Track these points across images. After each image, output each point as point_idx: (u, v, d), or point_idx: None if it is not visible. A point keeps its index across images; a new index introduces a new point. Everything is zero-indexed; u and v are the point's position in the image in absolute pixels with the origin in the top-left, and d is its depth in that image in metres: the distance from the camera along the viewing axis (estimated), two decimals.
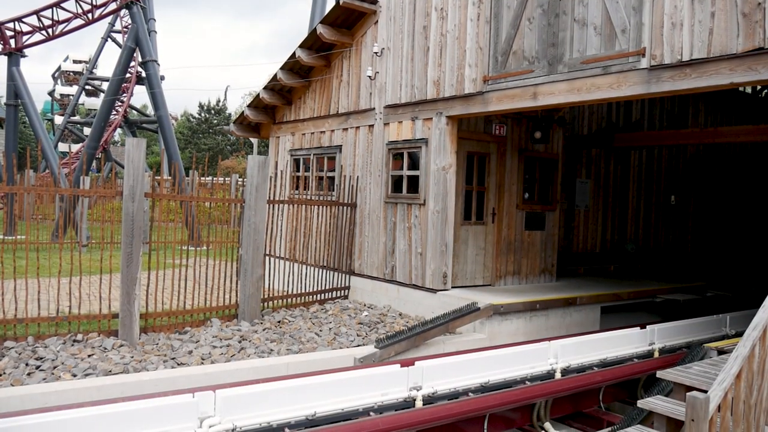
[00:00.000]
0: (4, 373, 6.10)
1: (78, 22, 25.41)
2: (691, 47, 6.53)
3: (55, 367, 6.30)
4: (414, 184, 9.88)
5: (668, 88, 6.78)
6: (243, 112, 13.76)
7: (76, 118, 43.61)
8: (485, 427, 5.95)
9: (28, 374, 6.11)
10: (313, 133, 12.39)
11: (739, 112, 13.91)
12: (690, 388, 4.44)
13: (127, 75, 29.62)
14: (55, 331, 7.31)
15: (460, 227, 9.89)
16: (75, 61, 47.78)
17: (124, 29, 35.42)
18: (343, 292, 10.81)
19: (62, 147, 41.67)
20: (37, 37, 24.97)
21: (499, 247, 10.30)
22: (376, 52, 10.60)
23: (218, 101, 55.56)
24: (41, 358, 6.51)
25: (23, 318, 7.22)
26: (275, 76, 12.26)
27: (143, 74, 26.48)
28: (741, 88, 13.49)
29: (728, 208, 14.83)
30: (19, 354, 6.59)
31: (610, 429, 6.19)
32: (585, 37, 7.54)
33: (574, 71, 7.61)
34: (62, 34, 25.29)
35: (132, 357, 6.79)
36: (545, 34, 7.97)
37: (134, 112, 41.91)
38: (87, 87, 42.52)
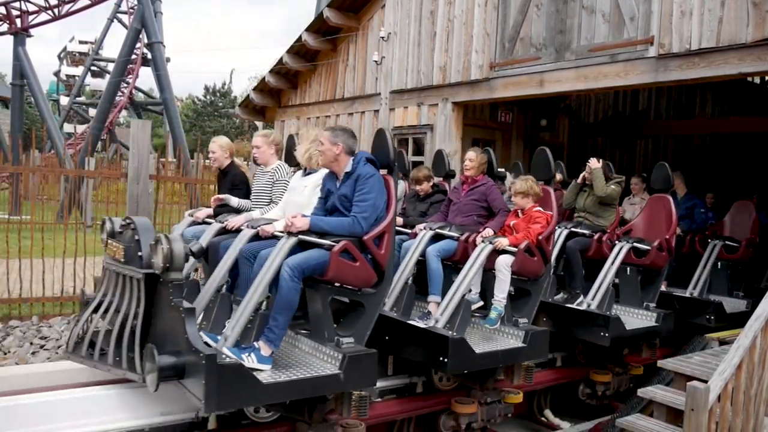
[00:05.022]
0: (9, 351, 6.15)
1: (84, 2, 25.38)
2: (700, 36, 6.47)
3: (59, 347, 6.36)
4: None
5: (676, 77, 6.74)
6: (248, 95, 13.72)
7: (82, 99, 43.56)
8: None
9: (33, 353, 6.17)
10: (318, 118, 12.36)
11: (746, 103, 13.80)
12: (690, 378, 4.45)
13: (133, 56, 29.53)
14: (60, 311, 7.36)
15: None
16: (81, 42, 47.64)
17: (130, 10, 35.27)
18: None
19: (68, 128, 41.67)
20: (44, 17, 24.94)
21: None
22: (382, 37, 10.54)
23: (224, 84, 55.40)
24: (45, 338, 6.56)
25: (28, 298, 7.27)
26: (281, 59, 12.20)
27: (149, 56, 26.42)
28: (749, 79, 13.38)
29: (734, 200, 14.73)
30: (24, 333, 6.65)
31: (609, 417, 6.23)
32: (593, 24, 7.49)
33: (581, 59, 7.56)
34: (68, 14, 25.27)
35: None
36: (553, 21, 7.91)
37: (140, 93, 41.81)
38: (93, 68, 42.41)
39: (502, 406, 5.67)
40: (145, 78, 47.12)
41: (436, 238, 5.69)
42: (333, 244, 4.15)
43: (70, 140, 37.54)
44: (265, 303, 4.22)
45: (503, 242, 5.39)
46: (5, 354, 6.10)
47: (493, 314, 5.40)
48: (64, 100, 42.40)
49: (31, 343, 6.38)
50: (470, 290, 5.41)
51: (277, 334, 4.05)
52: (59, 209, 16.55)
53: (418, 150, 9.88)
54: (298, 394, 4.00)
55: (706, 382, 3.81)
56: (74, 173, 10.35)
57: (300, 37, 11.57)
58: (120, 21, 38.65)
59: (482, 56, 8.83)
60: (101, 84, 40.94)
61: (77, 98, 41.85)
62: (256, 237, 4.57)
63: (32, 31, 25.00)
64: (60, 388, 4.43)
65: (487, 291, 5.62)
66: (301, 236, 4.21)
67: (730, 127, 12.06)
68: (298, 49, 11.94)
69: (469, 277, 5.22)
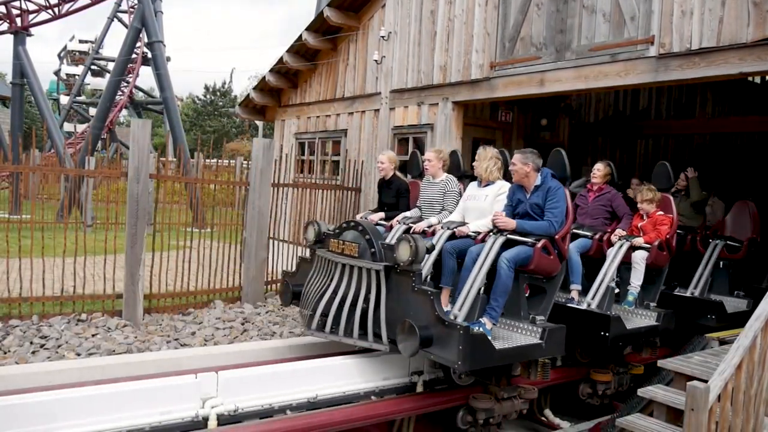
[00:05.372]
0: (9, 351, 6.15)
1: (84, 1, 25.33)
2: (701, 36, 6.47)
3: (59, 346, 6.35)
4: None
5: (676, 76, 6.73)
6: (249, 94, 13.73)
7: (82, 98, 43.53)
8: None
9: (33, 353, 6.16)
10: (318, 117, 12.36)
11: (747, 103, 13.79)
12: (691, 378, 4.45)
13: (133, 56, 29.50)
14: (60, 311, 7.35)
15: None
16: (81, 41, 47.61)
17: (131, 9, 35.23)
18: None
19: (68, 127, 41.65)
20: (44, 16, 24.88)
21: None
22: (382, 36, 10.53)
23: (224, 83, 55.34)
24: (45, 337, 6.56)
25: (28, 297, 7.26)
26: (281, 58, 12.21)
27: (149, 55, 26.39)
28: (750, 78, 13.37)
29: (734, 199, 14.70)
30: (24, 332, 6.64)
31: (610, 416, 6.24)
32: (593, 24, 7.48)
33: (581, 58, 7.55)
34: (69, 13, 25.21)
35: (135, 337, 6.83)
36: (553, 21, 7.91)
37: (140, 93, 41.77)
38: (93, 67, 42.38)
39: (628, 377, 6.83)
40: (146, 77, 47.06)
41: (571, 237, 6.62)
42: (535, 241, 5.27)
43: (70, 139, 37.52)
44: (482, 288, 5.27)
45: (639, 240, 6.61)
46: (5, 353, 6.09)
47: (630, 298, 6.66)
48: (65, 99, 42.38)
49: (31, 343, 6.38)
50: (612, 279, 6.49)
51: (497, 312, 5.19)
52: (59, 208, 16.55)
53: (419, 150, 9.86)
54: (516, 358, 5.18)
55: (706, 381, 3.81)
56: (74, 172, 10.32)
57: (300, 37, 11.58)
58: (120, 20, 38.66)
59: (482, 56, 8.82)
60: (101, 83, 40.94)
61: (77, 97, 41.83)
62: (451, 236, 5.71)
63: (32, 30, 24.93)
64: (60, 388, 4.43)
65: (621, 280, 6.81)
66: (509, 235, 5.35)
67: (731, 127, 12.05)
68: (298, 49, 11.94)
69: (612, 268, 6.37)
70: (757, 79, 13.97)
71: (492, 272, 5.26)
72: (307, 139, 12.69)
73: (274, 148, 9.25)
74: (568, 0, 7.74)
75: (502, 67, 8.51)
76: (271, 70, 12.80)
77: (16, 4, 23.83)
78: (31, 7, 24.32)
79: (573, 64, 7.64)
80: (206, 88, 55.23)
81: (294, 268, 6.63)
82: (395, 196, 7.02)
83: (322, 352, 6.56)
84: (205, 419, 4.48)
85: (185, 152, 11.99)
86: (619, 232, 6.73)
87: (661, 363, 5.23)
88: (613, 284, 6.37)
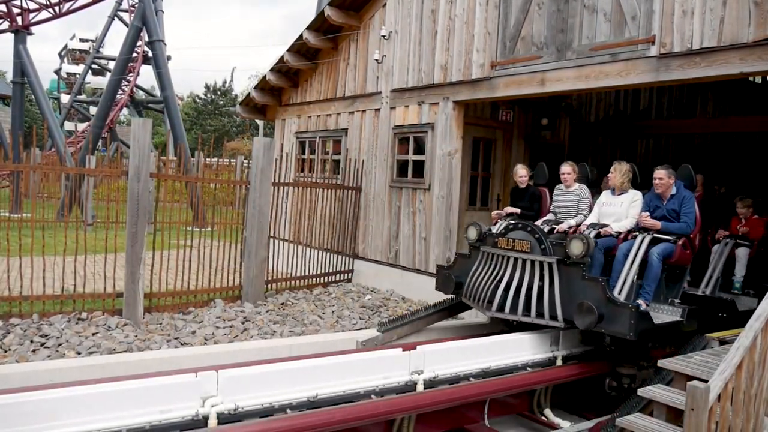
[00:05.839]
0: (10, 349, 6.15)
1: (85, 0, 25.29)
2: (702, 36, 6.47)
3: (59, 345, 6.36)
4: (419, 168, 9.85)
5: (677, 76, 6.73)
6: (249, 93, 13.73)
7: (83, 97, 43.49)
8: (485, 411, 5.98)
9: (33, 351, 6.16)
10: (319, 116, 12.36)
11: (747, 102, 13.78)
12: (691, 378, 4.44)
13: (134, 54, 29.47)
14: (60, 309, 7.36)
15: (465, 213, 9.88)
16: (82, 40, 47.56)
17: (131, 8, 35.19)
18: (346, 275, 10.84)
19: (68, 125, 41.61)
20: (45, 14, 24.86)
21: None
22: (383, 35, 10.53)
23: (225, 82, 55.31)
24: (46, 336, 6.56)
25: (28, 296, 7.26)
26: (282, 58, 12.21)
27: (150, 54, 26.37)
28: (751, 78, 13.35)
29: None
30: (24, 331, 6.64)
31: (609, 416, 6.22)
32: (594, 23, 7.48)
33: (582, 58, 7.55)
34: (69, 12, 25.18)
35: (136, 336, 6.83)
36: (554, 20, 7.90)
37: (140, 92, 41.74)
38: (93, 66, 42.34)
39: None
40: (146, 76, 47.12)
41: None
42: (677, 239, 6.49)
43: (71, 138, 37.51)
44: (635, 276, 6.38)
45: (745, 229, 7.91)
46: (6, 352, 6.10)
47: (737, 285, 7.85)
48: (65, 98, 42.33)
49: (32, 341, 6.38)
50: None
51: (650, 295, 6.44)
52: (60, 207, 16.55)
53: (419, 149, 9.88)
54: (667, 331, 6.40)
55: (706, 381, 3.80)
56: (75, 171, 10.31)
57: (301, 36, 11.57)
58: (121, 19, 38.64)
59: (483, 55, 8.82)
60: (102, 82, 40.88)
61: (78, 96, 41.79)
62: (596, 235, 6.72)
63: (33, 28, 24.92)
64: (60, 386, 4.42)
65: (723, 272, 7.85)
66: (654, 234, 6.50)
67: (731, 127, 12.04)
68: (299, 48, 11.94)
69: (720, 262, 7.66)
70: (758, 79, 13.96)
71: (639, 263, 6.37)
72: (308, 138, 12.69)
73: (274, 147, 9.25)
74: None
75: (503, 67, 8.51)
76: (271, 70, 12.79)
77: (17, 2, 23.81)
78: (32, 5, 24.30)
79: (574, 64, 7.64)
80: (207, 87, 55.22)
81: (450, 262, 7.96)
82: (529, 201, 8.01)
83: (322, 351, 6.56)
84: (205, 418, 4.47)
85: (186, 151, 12.00)
86: (722, 232, 8.03)
87: (661, 363, 5.21)
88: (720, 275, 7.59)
